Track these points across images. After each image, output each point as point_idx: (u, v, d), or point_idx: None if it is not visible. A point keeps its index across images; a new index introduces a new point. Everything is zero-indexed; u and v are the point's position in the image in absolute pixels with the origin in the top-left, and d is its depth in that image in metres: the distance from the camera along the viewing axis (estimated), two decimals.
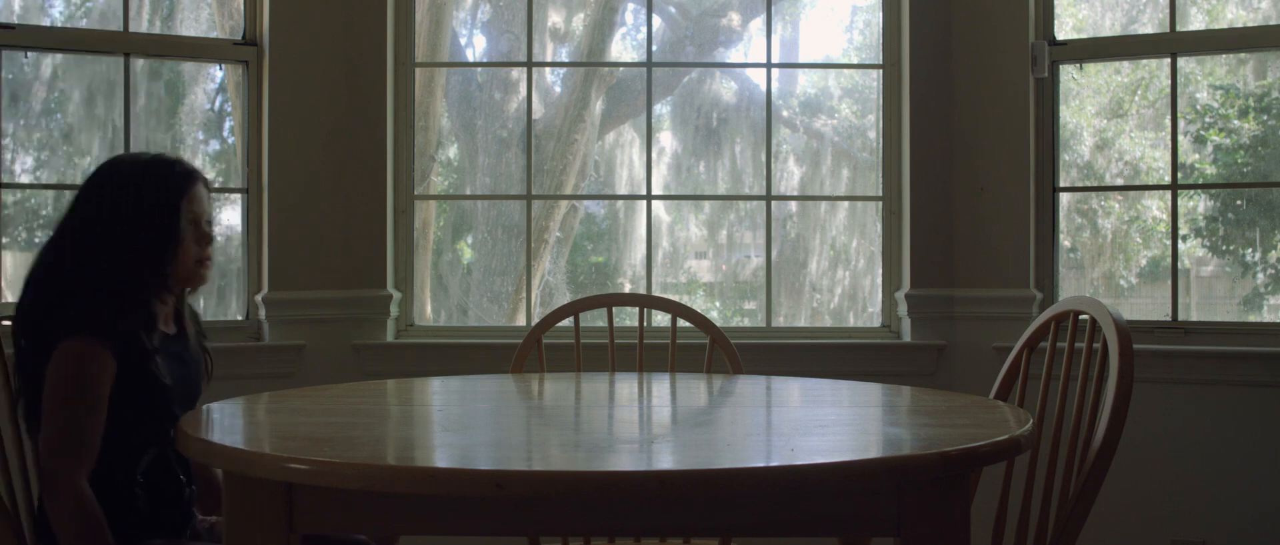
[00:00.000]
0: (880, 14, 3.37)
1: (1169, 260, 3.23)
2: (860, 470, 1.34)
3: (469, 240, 5.07)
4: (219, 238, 2.67)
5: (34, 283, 1.78)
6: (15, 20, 3.22)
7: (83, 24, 4.39)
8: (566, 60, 5.14)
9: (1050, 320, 2.02)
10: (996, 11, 3.21)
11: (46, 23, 4.16)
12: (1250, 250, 3.80)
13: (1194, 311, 3.80)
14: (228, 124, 4.24)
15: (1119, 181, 4.25)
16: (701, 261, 5.47)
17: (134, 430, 1.76)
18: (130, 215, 1.77)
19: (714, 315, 4.96)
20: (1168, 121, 3.21)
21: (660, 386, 2.24)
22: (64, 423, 1.66)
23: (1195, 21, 3.98)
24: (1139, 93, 4.24)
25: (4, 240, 3.24)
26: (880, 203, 3.37)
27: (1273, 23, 3.40)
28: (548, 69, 5.05)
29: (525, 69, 3.50)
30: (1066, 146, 3.67)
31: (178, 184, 1.81)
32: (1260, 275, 3.79)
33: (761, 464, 1.38)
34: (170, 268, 1.80)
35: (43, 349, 1.70)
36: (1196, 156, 3.83)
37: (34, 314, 1.76)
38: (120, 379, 1.71)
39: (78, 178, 4.03)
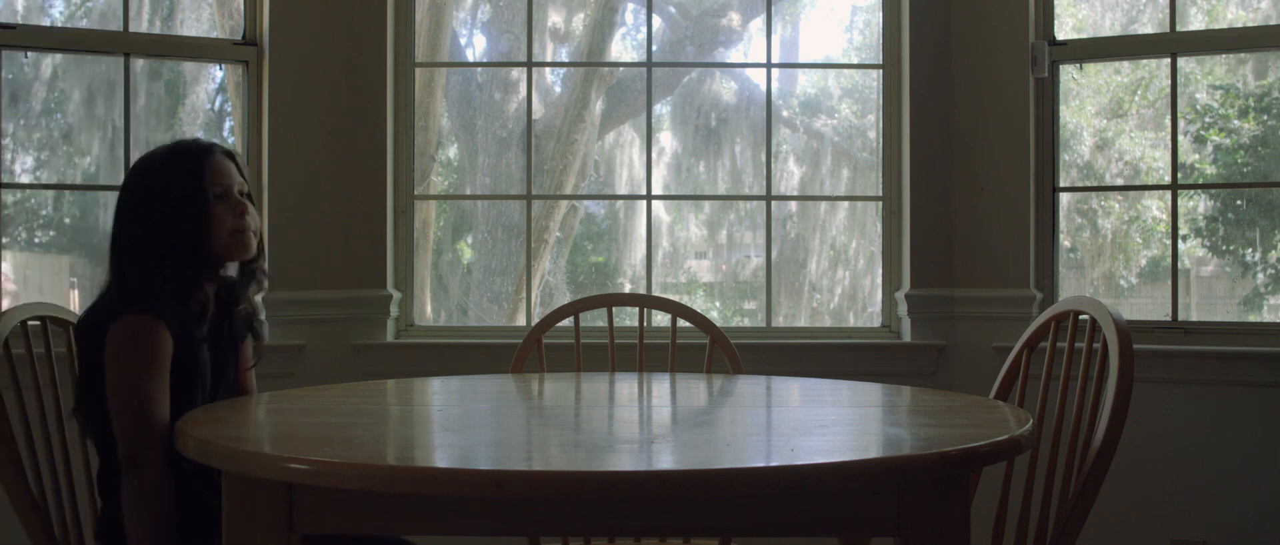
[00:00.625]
0: (880, 14, 3.37)
1: (1169, 260, 3.23)
2: (860, 470, 1.34)
3: (469, 240, 5.07)
4: None
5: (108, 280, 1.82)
6: (16, 20, 3.22)
7: (83, 24, 4.39)
8: (566, 60, 5.14)
9: (1050, 320, 2.02)
10: (996, 11, 3.21)
11: (46, 23, 4.16)
12: (1250, 250, 3.80)
13: (1194, 311, 3.80)
14: (228, 124, 4.24)
15: (1119, 181, 4.25)
16: (701, 261, 5.47)
17: (174, 411, 1.76)
18: (161, 200, 1.79)
19: (714, 315, 4.96)
20: (1168, 121, 3.21)
21: (660, 386, 2.24)
22: (139, 400, 1.66)
23: (1195, 21, 3.98)
24: (1139, 93, 4.24)
25: (4, 240, 3.24)
26: (880, 203, 3.37)
27: (1273, 23, 3.40)
28: (548, 69, 5.05)
29: (525, 69, 3.50)
30: (1066, 146, 3.67)
31: (195, 158, 1.83)
32: (1260, 275, 3.79)
33: (761, 464, 1.37)
34: (207, 241, 1.81)
35: (100, 333, 1.70)
36: (1196, 156, 3.83)
37: (94, 312, 1.77)
38: (173, 357, 1.73)
39: (78, 178, 4.03)
